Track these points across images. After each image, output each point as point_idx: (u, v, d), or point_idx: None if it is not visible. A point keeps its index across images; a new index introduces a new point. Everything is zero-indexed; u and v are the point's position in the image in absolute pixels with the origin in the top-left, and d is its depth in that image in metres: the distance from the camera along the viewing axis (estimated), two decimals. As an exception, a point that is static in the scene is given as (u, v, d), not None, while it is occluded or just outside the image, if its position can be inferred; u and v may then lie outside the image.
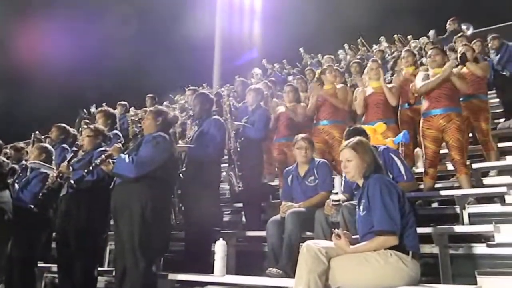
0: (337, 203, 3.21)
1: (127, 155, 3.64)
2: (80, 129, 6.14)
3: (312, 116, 5.50)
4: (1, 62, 13.75)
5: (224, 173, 5.22)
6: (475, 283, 3.06)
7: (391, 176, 3.53)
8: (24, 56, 14.29)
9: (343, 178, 3.59)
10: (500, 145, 5.47)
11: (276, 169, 5.80)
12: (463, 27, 8.31)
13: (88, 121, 6.64)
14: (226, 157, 5.06)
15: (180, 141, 5.06)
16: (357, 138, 2.97)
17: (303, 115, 5.47)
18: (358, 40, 10.11)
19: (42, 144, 5.22)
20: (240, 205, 5.22)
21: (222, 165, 4.96)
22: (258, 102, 5.23)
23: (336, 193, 3.27)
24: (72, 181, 3.97)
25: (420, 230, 3.25)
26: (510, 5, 11.67)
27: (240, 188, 4.63)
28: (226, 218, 5.50)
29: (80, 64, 15.08)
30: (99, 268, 4.20)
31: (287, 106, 5.44)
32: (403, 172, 3.55)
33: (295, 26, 15.17)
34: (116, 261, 3.75)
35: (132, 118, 7.94)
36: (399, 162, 3.60)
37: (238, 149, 4.85)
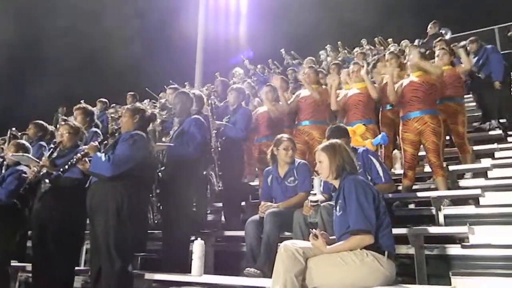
0: (315, 203, 3.24)
1: (103, 154, 3.59)
2: (58, 126, 6.02)
3: (293, 115, 5.53)
4: (1, 61, 13.58)
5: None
6: (450, 284, 3.13)
7: (369, 177, 3.58)
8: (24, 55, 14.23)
9: (322, 179, 3.62)
10: (476, 148, 5.58)
11: (257, 169, 5.80)
12: (442, 31, 8.45)
13: (66, 118, 6.52)
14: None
15: (164, 139, 5.02)
16: (330, 140, 3.06)
17: (283, 113, 5.48)
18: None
19: (18, 141, 5.09)
20: (220, 204, 5.20)
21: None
22: (240, 101, 5.23)
23: (315, 194, 3.31)
24: (47, 180, 3.89)
25: (396, 231, 3.31)
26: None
27: (220, 188, 4.61)
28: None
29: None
30: (76, 268, 4.13)
31: (269, 106, 5.43)
32: (381, 174, 3.59)
33: (286, 26, 15.28)
34: (91, 261, 3.70)
35: (112, 115, 7.83)
36: (377, 164, 3.64)
37: (219, 149, 4.84)
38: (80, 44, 15.80)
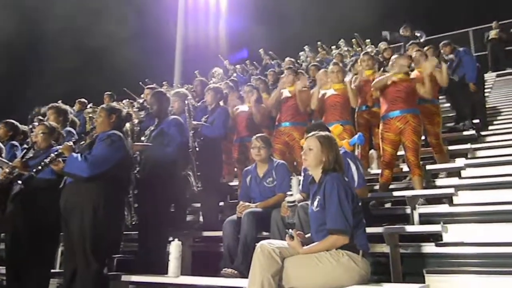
0: (292, 204, 3.24)
1: (79, 154, 3.52)
2: (32, 126, 5.88)
3: (273, 115, 5.54)
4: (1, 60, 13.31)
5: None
6: (424, 282, 3.18)
7: (346, 179, 3.61)
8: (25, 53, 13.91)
9: (303, 176, 3.64)
10: (450, 147, 5.71)
11: (235, 169, 5.80)
12: (417, 34, 8.58)
13: (41, 118, 6.37)
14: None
15: (143, 139, 4.97)
16: (327, 133, 3.00)
17: (263, 115, 5.49)
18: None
19: (-11, 141, 4.96)
20: (198, 205, 5.17)
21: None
22: (217, 101, 5.21)
23: (291, 195, 3.30)
24: (19, 181, 3.80)
25: (372, 230, 3.36)
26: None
27: (199, 188, 4.59)
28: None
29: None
30: (51, 270, 4.05)
31: (251, 106, 5.43)
32: (355, 178, 3.61)
33: (272, 25, 15.36)
34: (65, 263, 3.62)
35: (90, 115, 7.69)
36: (353, 168, 3.67)
37: (197, 149, 4.81)
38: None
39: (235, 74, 10.57)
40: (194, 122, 4.86)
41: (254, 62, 11.36)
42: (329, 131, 3.70)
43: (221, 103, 5.33)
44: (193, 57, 14.86)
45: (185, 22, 14.64)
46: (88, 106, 8.74)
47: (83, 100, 8.67)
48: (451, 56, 6.85)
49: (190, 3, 15.67)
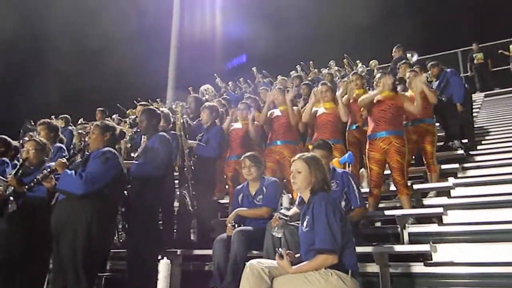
0: (284, 217, 3.21)
1: (73, 171, 3.51)
2: (22, 141, 5.85)
3: (266, 133, 5.59)
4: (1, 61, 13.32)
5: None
6: (413, 301, 3.18)
7: (344, 196, 3.68)
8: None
9: (291, 197, 3.65)
10: (443, 166, 5.73)
11: (227, 187, 5.79)
12: (408, 54, 8.72)
13: (32, 134, 6.36)
14: (176, 174, 5.00)
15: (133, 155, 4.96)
16: (312, 153, 3.04)
17: (258, 134, 5.53)
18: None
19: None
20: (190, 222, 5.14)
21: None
22: (213, 119, 5.24)
23: (288, 209, 3.27)
24: (11, 198, 3.76)
25: (362, 249, 3.37)
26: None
27: (195, 208, 4.59)
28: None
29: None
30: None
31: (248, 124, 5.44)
32: (357, 198, 3.77)
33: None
34: (54, 281, 3.56)
35: (80, 131, 7.69)
36: (355, 187, 3.79)
37: (192, 167, 4.81)
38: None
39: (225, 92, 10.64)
40: (190, 141, 4.88)
41: (248, 80, 11.45)
42: (332, 150, 3.79)
43: (217, 121, 5.35)
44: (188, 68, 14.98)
45: (180, 32, 14.70)
46: (79, 122, 8.76)
47: (66, 116, 8.70)
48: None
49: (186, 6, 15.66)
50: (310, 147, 4.23)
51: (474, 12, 14.70)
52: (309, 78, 9.83)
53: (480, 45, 11.90)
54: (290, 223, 3.27)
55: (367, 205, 4.35)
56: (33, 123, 10.48)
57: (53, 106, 9.39)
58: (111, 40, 14.94)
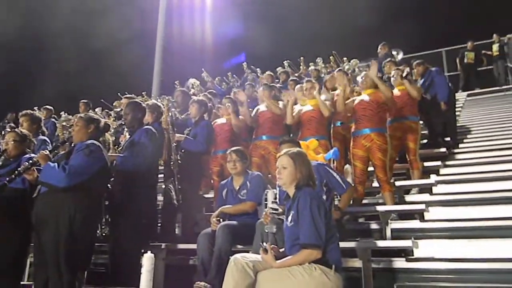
0: (274, 212, 3.22)
1: (56, 163, 3.46)
2: (3, 133, 5.75)
3: (252, 128, 5.59)
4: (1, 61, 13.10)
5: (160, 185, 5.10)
6: (394, 296, 3.24)
7: (325, 189, 3.67)
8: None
9: (278, 189, 3.65)
10: (426, 164, 5.81)
11: (212, 181, 5.78)
12: (393, 52, 8.79)
13: (13, 125, 6.24)
14: (161, 167, 4.97)
15: (114, 149, 4.91)
16: (297, 148, 3.04)
17: (241, 128, 5.52)
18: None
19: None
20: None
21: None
22: (202, 114, 5.22)
23: (276, 202, 3.28)
24: None
25: (345, 244, 3.40)
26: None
27: (180, 202, 4.57)
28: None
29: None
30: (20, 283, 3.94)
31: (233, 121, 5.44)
32: (341, 182, 3.73)
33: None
34: (36, 275, 3.52)
35: (64, 123, 7.58)
36: (335, 174, 3.76)
37: (179, 161, 4.79)
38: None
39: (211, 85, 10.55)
40: (177, 135, 4.85)
41: (235, 75, 11.38)
42: (300, 147, 3.76)
43: (205, 116, 5.33)
44: (172, 64, 14.90)
45: (166, 28, 14.59)
46: (62, 114, 8.62)
47: (49, 107, 8.54)
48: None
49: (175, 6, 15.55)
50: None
51: (462, 12, 14.89)
52: (296, 75, 9.82)
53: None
54: (279, 217, 3.28)
55: (352, 184, 4.39)
56: (14, 115, 10.29)
57: (53, 106, 9.21)
58: (114, 41, 14.80)
